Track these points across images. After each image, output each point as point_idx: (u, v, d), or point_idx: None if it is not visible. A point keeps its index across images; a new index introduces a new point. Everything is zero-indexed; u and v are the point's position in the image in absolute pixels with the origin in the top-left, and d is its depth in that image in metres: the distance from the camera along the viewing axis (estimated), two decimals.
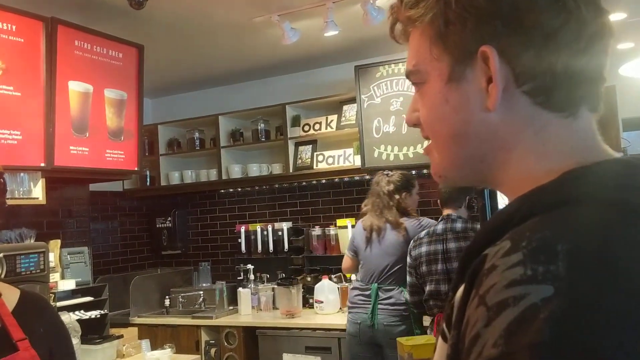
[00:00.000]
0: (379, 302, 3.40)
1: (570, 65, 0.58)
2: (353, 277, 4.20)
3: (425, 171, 4.16)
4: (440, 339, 0.60)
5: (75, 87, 3.19)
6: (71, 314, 2.94)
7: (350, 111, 4.43)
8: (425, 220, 3.48)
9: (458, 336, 0.53)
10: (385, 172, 3.57)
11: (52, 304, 2.88)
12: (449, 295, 0.61)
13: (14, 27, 2.86)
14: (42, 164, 2.98)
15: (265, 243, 4.70)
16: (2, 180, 1.29)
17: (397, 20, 0.69)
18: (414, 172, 4.21)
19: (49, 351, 1.34)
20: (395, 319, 3.35)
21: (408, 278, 3.27)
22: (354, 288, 3.60)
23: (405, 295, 3.37)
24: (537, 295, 0.46)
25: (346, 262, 3.78)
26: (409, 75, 0.68)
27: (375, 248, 3.46)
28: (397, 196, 3.44)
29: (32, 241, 3.04)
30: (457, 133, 0.64)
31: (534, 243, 0.49)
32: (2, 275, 2.41)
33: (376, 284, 3.43)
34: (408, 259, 3.25)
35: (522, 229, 0.53)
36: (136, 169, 3.60)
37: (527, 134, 0.61)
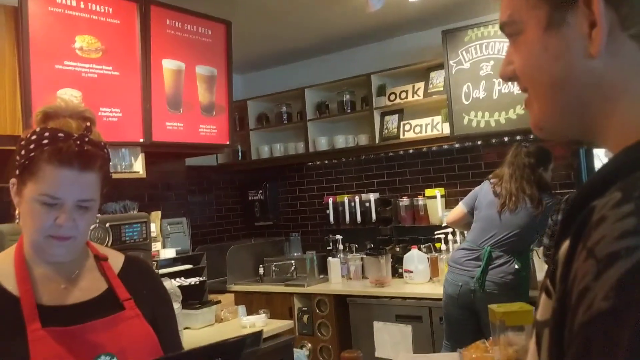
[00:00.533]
0: (489, 268, 3.30)
1: None
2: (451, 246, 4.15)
3: (518, 137, 4.01)
4: (543, 295, 0.59)
5: (169, 65, 3.33)
6: (172, 280, 3.11)
7: (437, 78, 4.33)
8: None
9: (565, 290, 0.51)
10: (523, 144, 3.41)
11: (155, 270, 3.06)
12: (552, 250, 0.60)
13: (110, 10, 3.01)
14: (141, 140, 3.15)
15: (352, 214, 4.73)
16: (106, 150, 1.38)
17: None
18: (506, 138, 4.09)
19: (151, 311, 1.42)
20: (499, 288, 3.26)
21: (546, 239, 3.22)
22: (461, 249, 3.51)
23: (516, 266, 3.29)
24: None
25: (456, 214, 3.64)
26: (503, 26, 0.66)
27: (504, 215, 3.31)
28: (538, 170, 3.30)
29: (135, 212, 3.23)
30: (558, 81, 0.61)
31: None
32: (109, 244, 2.59)
33: (489, 248, 3.32)
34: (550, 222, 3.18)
35: (633, 179, 0.50)
36: (228, 142, 3.72)
37: (635, 82, 0.58)
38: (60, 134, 1.27)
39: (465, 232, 3.88)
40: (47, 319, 1.27)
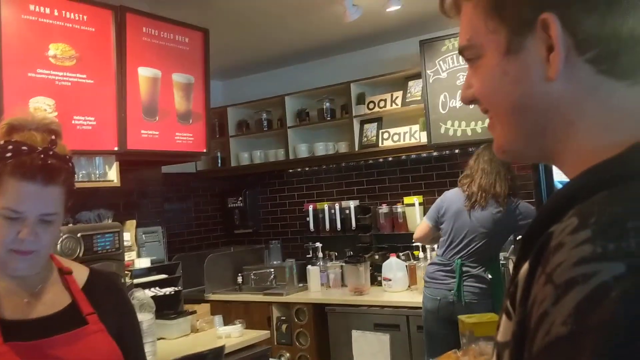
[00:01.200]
0: (464, 280, 3.30)
1: (638, 29, 0.55)
2: (426, 254, 4.17)
3: (480, 147, 4.04)
4: (504, 316, 0.59)
5: (145, 73, 3.31)
6: (146, 290, 3.08)
7: (415, 87, 4.36)
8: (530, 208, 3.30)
9: (524, 313, 0.52)
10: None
11: (129, 281, 3.04)
12: (512, 273, 0.60)
13: (85, 17, 2.99)
14: (116, 148, 3.12)
15: (333, 221, 4.74)
16: (71, 164, 1.37)
17: None
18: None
19: (116, 326, 1.41)
20: (477, 297, 3.27)
21: None
22: (432, 263, 3.51)
23: (489, 275, 3.29)
24: (608, 273, 0.45)
25: (421, 229, 3.61)
26: (462, 50, 0.66)
27: (474, 213, 3.28)
28: (510, 170, 3.28)
29: (110, 221, 3.20)
30: (518, 106, 0.62)
31: (604, 219, 0.48)
32: (81, 254, 2.56)
33: (460, 260, 3.31)
34: None
35: (589, 204, 0.51)
36: (205, 150, 3.70)
37: (591, 105, 0.58)
38: (24, 147, 1.26)
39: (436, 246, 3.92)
40: (9, 333, 1.26)
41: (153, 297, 3.02)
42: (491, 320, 1.83)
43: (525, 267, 0.55)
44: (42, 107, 2.81)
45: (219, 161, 5.27)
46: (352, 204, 4.68)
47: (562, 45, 0.57)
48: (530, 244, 0.55)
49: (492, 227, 3.28)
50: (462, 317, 1.89)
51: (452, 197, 3.44)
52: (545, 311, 0.48)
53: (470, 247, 3.33)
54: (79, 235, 2.58)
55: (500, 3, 0.60)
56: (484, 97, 0.65)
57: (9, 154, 1.25)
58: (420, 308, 3.73)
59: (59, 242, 2.49)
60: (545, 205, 0.60)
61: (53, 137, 1.31)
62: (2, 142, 1.28)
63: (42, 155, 1.26)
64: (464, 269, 3.32)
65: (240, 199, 5.30)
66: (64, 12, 2.91)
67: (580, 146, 0.60)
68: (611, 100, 0.58)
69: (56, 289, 1.40)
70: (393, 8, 3.52)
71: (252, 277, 4.71)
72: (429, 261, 4.09)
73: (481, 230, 3.29)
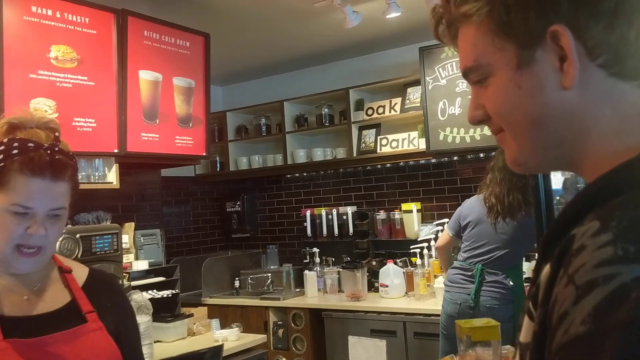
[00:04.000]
0: (484, 283, 3.25)
1: None
2: (419, 262, 4.17)
3: (493, 153, 4.05)
4: (526, 317, 0.61)
5: (146, 76, 3.32)
6: (144, 293, 3.08)
7: (414, 94, 4.38)
8: None
9: (545, 314, 0.54)
10: None
11: (126, 283, 3.04)
12: (533, 275, 0.62)
13: (87, 20, 3.01)
14: (116, 150, 3.13)
15: (330, 227, 4.74)
16: (75, 160, 1.38)
17: (441, 20, 0.69)
18: (481, 154, 4.14)
19: (115, 325, 1.41)
20: (499, 302, 3.22)
21: None
22: (453, 267, 3.45)
23: (510, 282, 3.25)
24: (628, 274, 0.46)
25: (443, 239, 3.57)
26: (468, 72, 0.67)
27: (495, 228, 3.23)
28: (525, 177, 3.24)
29: (108, 223, 3.21)
30: (535, 117, 0.63)
31: (625, 222, 0.50)
32: (79, 255, 2.56)
33: (480, 266, 3.26)
34: None
35: (610, 208, 0.53)
36: (204, 154, 3.71)
37: (605, 110, 0.60)
38: (30, 144, 1.27)
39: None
40: (9, 330, 1.27)
41: (150, 300, 3.01)
42: (488, 325, 1.83)
43: (547, 269, 0.56)
44: (42, 109, 2.82)
45: (218, 165, 5.28)
46: (350, 209, 4.69)
47: (575, 54, 0.58)
48: (550, 246, 0.57)
49: (514, 235, 3.23)
50: (460, 322, 1.89)
51: (472, 205, 3.40)
52: (565, 311, 0.49)
53: (492, 255, 3.27)
54: (77, 236, 2.59)
55: (507, 21, 0.61)
56: (498, 115, 0.65)
57: (15, 151, 1.26)
58: (417, 314, 3.75)
59: (58, 242, 2.49)
60: (564, 210, 0.62)
61: (56, 134, 1.32)
62: (6, 139, 1.29)
63: (49, 152, 1.27)
64: (485, 275, 3.27)
65: (239, 203, 5.30)
66: (65, 14, 2.93)
67: (597, 152, 0.61)
68: (623, 105, 0.60)
69: (56, 287, 1.40)
70: (393, 15, 3.54)
71: (249, 281, 4.71)
72: (426, 268, 4.11)
73: (504, 238, 3.24)
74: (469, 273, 3.32)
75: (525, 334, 0.60)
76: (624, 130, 0.60)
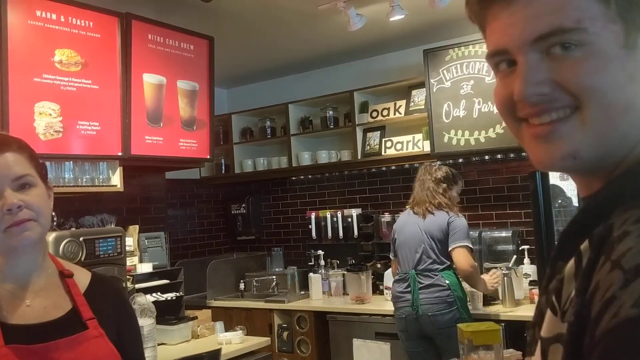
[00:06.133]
0: (420, 290, 3.33)
1: None
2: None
3: (499, 156, 4.05)
4: (548, 312, 0.60)
5: (150, 79, 3.33)
6: (148, 295, 3.09)
7: (419, 96, 4.37)
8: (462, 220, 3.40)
9: (582, 303, 0.53)
10: (432, 163, 3.62)
11: (130, 285, 3.04)
12: (548, 271, 0.62)
13: (91, 24, 3.02)
14: (120, 153, 3.14)
15: (335, 229, 4.74)
16: (24, 143, 1.37)
17: None
18: (487, 157, 4.13)
19: (116, 331, 1.41)
20: (440, 307, 3.27)
21: None
22: (393, 282, 3.58)
23: (446, 281, 3.31)
24: None
25: (392, 267, 3.76)
26: (556, 34, 0.59)
27: (414, 229, 3.42)
28: (443, 185, 3.43)
29: (113, 226, 3.22)
30: (629, 103, 0.59)
31: None
32: (82, 258, 2.57)
33: (413, 270, 3.38)
34: None
35: None
36: (208, 157, 3.72)
37: None
38: None
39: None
40: (10, 336, 1.27)
41: (154, 302, 3.02)
42: (490, 329, 1.83)
43: (571, 263, 0.56)
44: (47, 112, 2.83)
45: (223, 168, 5.29)
46: (355, 212, 4.69)
47: None
48: (570, 243, 0.57)
49: (434, 233, 3.36)
50: (461, 326, 1.89)
51: (400, 218, 3.63)
52: (612, 295, 0.49)
53: (418, 255, 3.38)
54: (81, 239, 2.60)
55: None
56: (594, 92, 0.59)
57: None
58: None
59: (61, 245, 2.50)
60: (585, 207, 0.61)
61: None
62: None
63: None
64: (419, 277, 3.36)
65: (244, 205, 5.31)
66: (70, 18, 2.94)
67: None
68: None
69: (57, 293, 1.40)
70: (396, 17, 3.54)
71: (254, 284, 4.71)
72: None
73: (424, 237, 3.38)
74: (406, 283, 3.41)
75: (548, 328, 0.59)
76: None
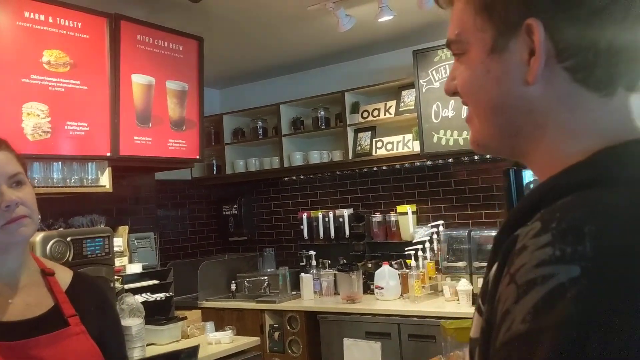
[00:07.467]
0: None
1: (614, 43, 0.58)
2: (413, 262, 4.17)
3: (488, 156, 4.06)
4: (476, 313, 0.62)
5: (138, 80, 3.34)
6: (137, 296, 3.09)
7: (409, 96, 4.39)
8: None
9: (491, 311, 0.55)
10: None
11: (119, 286, 3.05)
12: (485, 272, 0.63)
13: (79, 25, 3.02)
14: (108, 154, 3.14)
15: (326, 229, 4.75)
16: (6, 143, 1.41)
17: None
18: (476, 157, 4.15)
19: (98, 329, 1.42)
20: None
21: None
22: None
23: None
24: (564, 275, 0.48)
25: None
26: (449, 44, 0.68)
27: None
28: None
29: (102, 226, 3.22)
30: (497, 104, 0.64)
31: (563, 224, 0.51)
32: (70, 258, 2.57)
33: None
34: None
35: (552, 209, 0.54)
36: (198, 157, 3.72)
37: (562, 111, 0.61)
38: None
39: (435, 249, 3.95)
40: None
41: (144, 303, 3.03)
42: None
43: (495, 266, 0.58)
44: (35, 113, 2.84)
45: (215, 168, 5.29)
46: (346, 212, 4.70)
47: (542, 51, 0.59)
48: (500, 245, 0.58)
49: None
50: (444, 323, 1.90)
51: None
52: (507, 309, 0.51)
53: None
54: (68, 239, 2.60)
55: (491, 3, 0.62)
56: (464, 92, 0.67)
57: None
58: (412, 316, 3.75)
59: (49, 245, 2.50)
60: (515, 209, 0.63)
61: None
62: None
63: None
64: None
65: (235, 206, 5.31)
66: (58, 19, 2.95)
67: (550, 150, 0.62)
68: (581, 109, 0.60)
69: (39, 291, 1.41)
70: (385, 18, 3.55)
71: (246, 284, 4.71)
72: (421, 270, 4.11)
73: None
74: None
75: (475, 329, 0.61)
76: (578, 133, 0.61)
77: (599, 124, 0.60)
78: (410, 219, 4.41)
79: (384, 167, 4.67)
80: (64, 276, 1.48)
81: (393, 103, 4.50)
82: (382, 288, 4.15)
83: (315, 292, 4.47)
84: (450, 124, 4.00)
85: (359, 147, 4.60)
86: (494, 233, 3.06)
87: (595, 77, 0.59)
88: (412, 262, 4.16)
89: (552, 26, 0.58)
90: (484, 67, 0.64)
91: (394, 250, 4.45)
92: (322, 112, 4.82)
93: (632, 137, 0.59)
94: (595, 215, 0.51)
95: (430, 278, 4.10)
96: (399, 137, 4.41)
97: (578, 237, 0.49)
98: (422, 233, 4.28)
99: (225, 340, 3.17)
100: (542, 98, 0.61)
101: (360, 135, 4.63)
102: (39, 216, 1.41)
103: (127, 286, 3.17)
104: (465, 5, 0.65)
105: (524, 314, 0.48)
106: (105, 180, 3.11)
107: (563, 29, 0.58)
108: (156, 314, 3.28)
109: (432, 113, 4.06)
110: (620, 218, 0.50)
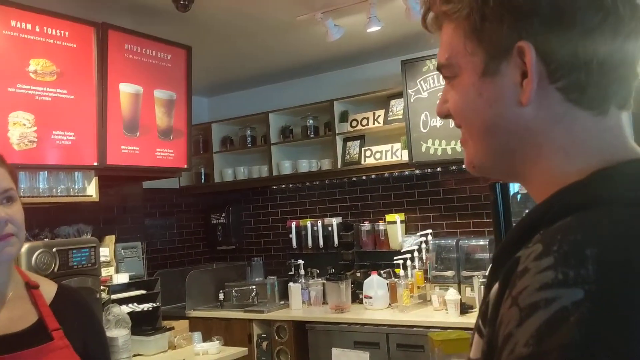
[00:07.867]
0: None
1: (606, 63, 0.59)
2: (402, 272, 4.17)
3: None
4: (476, 334, 0.62)
5: (126, 89, 3.32)
6: (124, 306, 3.07)
7: (397, 106, 4.40)
8: None
9: (493, 333, 0.55)
10: None
11: (106, 296, 3.02)
12: (484, 292, 0.63)
13: (66, 34, 3.01)
14: (95, 163, 3.12)
15: (315, 238, 4.74)
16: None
17: (429, 11, 0.70)
18: (463, 165, 4.16)
19: (82, 343, 1.41)
20: None
21: None
22: None
23: None
24: (567, 298, 0.48)
25: None
26: (440, 68, 0.69)
27: None
28: None
29: (89, 236, 3.19)
30: (490, 126, 0.64)
31: (565, 247, 0.51)
32: (56, 269, 2.55)
33: None
34: None
35: (553, 231, 0.54)
36: (185, 166, 3.71)
37: (557, 131, 0.61)
38: None
39: (423, 258, 3.95)
40: None
41: (131, 313, 3.00)
42: (460, 338, 1.84)
43: (496, 287, 0.58)
44: (21, 122, 2.81)
45: (203, 177, 5.28)
46: (335, 221, 4.70)
47: (535, 73, 0.59)
48: (500, 265, 0.58)
49: None
50: (432, 335, 1.90)
51: None
52: (510, 332, 0.51)
53: None
54: (54, 250, 2.57)
55: (480, 28, 0.62)
56: (457, 114, 0.68)
57: None
58: (400, 326, 3.75)
59: (34, 256, 2.48)
60: (513, 229, 0.63)
61: None
62: None
63: None
64: None
65: (224, 215, 5.29)
66: (45, 28, 2.93)
67: (545, 170, 0.63)
68: (576, 128, 0.61)
69: (23, 305, 1.40)
70: (373, 28, 3.57)
71: (234, 294, 4.69)
72: (409, 279, 4.11)
73: None
74: None
75: (475, 350, 0.61)
76: (574, 153, 0.61)
77: (594, 143, 0.61)
78: (399, 228, 4.42)
79: (373, 176, 4.68)
80: (48, 289, 1.46)
81: (382, 112, 4.51)
82: (371, 297, 4.14)
83: (303, 302, 4.45)
84: (438, 134, 4.01)
85: (348, 156, 4.61)
86: (482, 242, 3.07)
87: (588, 96, 0.60)
88: (401, 272, 4.16)
89: (543, 48, 0.59)
90: (476, 90, 0.64)
91: (383, 259, 4.45)
92: (311, 121, 4.83)
93: (627, 157, 0.60)
94: (596, 238, 0.51)
95: (418, 287, 4.10)
96: (388, 146, 4.42)
97: (580, 260, 0.49)
98: (410, 242, 4.28)
99: (212, 350, 3.15)
100: (536, 119, 0.61)
101: (349, 144, 4.63)
102: (25, 233, 1.41)
103: (113, 296, 3.14)
104: (454, 30, 0.65)
105: (527, 338, 0.48)
106: (92, 190, 3.08)
107: (554, 50, 0.59)
108: (143, 324, 3.26)
109: (421, 122, 4.08)
110: (620, 240, 0.51)
